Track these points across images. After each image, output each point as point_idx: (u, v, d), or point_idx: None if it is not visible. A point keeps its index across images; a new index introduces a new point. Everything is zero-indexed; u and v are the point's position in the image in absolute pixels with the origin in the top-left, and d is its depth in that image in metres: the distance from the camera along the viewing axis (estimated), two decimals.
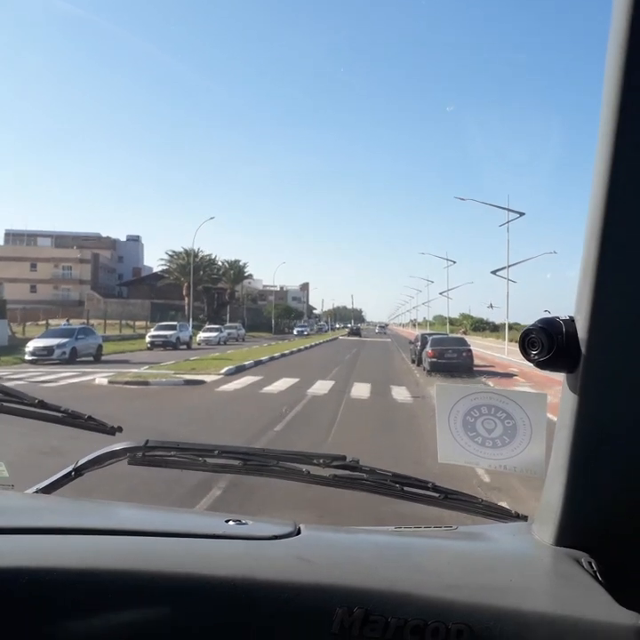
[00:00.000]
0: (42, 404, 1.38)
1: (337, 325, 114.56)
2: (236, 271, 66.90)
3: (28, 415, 1.38)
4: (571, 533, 0.94)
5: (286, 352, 29.81)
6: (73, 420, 1.45)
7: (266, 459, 1.27)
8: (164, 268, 56.56)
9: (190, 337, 35.34)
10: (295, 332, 63.62)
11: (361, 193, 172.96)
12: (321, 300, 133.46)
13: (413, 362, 24.75)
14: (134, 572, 0.78)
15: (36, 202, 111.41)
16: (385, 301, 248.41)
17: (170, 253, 56.95)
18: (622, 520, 0.91)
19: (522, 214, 33.85)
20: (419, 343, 24.05)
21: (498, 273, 35.05)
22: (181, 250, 55.74)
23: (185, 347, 33.63)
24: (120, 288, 64.75)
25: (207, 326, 43.58)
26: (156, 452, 1.27)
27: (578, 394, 0.86)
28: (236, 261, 67.03)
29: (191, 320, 42.12)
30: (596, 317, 0.82)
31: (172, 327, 34.19)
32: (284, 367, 20.99)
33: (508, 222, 32.64)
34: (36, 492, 1.24)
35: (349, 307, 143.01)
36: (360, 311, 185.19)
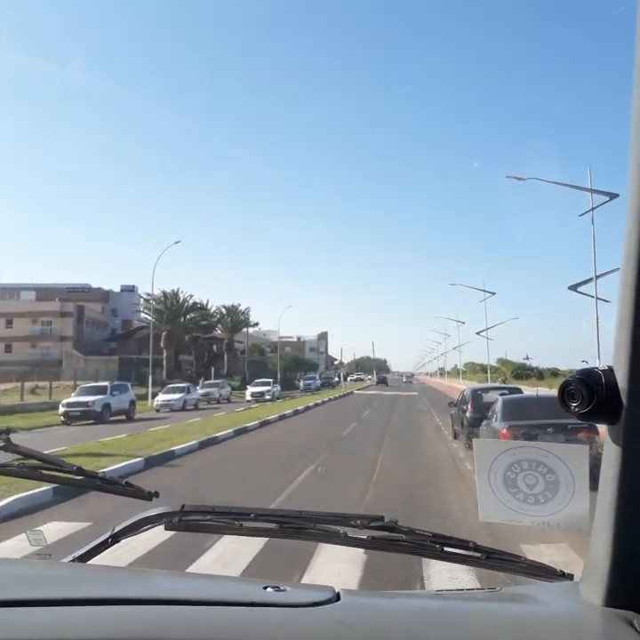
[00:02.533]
0: (80, 471, 1.40)
1: (353, 376, 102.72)
2: (234, 318, 54.65)
3: (67, 482, 1.43)
4: (620, 593, 0.92)
5: (271, 418, 23.49)
6: (110, 485, 1.46)
7: (303, 521, 1.26)
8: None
9: (132, 403, 27.06)
10: (302, 387, 57.63)
11: (378, 230, 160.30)
12: (340, 350, 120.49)
13: (456, 436, 16.18)
14: None
15: (23, 252, 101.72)
16: (410, 350, 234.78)
17: (145, 297, 45.18)
18: None
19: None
20: (467, 407, 15.00)
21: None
22: (158, 292, 43.90)
23: (123, 417, 25.42)
24: (109, 344, 53.97)
25: (170, 385, 35.60)
26: (192, 516, 1.28)
27: (621, 446, 0.86)
28: (235, 306, 55.58)
29: (151, 376, 36.01)
30: (636, 367, 0.83)
31: (101, 390, 25.58)
32: (229, 461, 13.43)
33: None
34: (73, 560, 1.25)
35: (372, 356, 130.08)
36: (384, 361, 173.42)
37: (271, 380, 44.79)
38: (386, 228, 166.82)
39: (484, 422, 11.35)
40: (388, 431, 18.71)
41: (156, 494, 1.41)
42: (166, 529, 1.28)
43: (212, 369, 50.94)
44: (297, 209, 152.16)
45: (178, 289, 53.73)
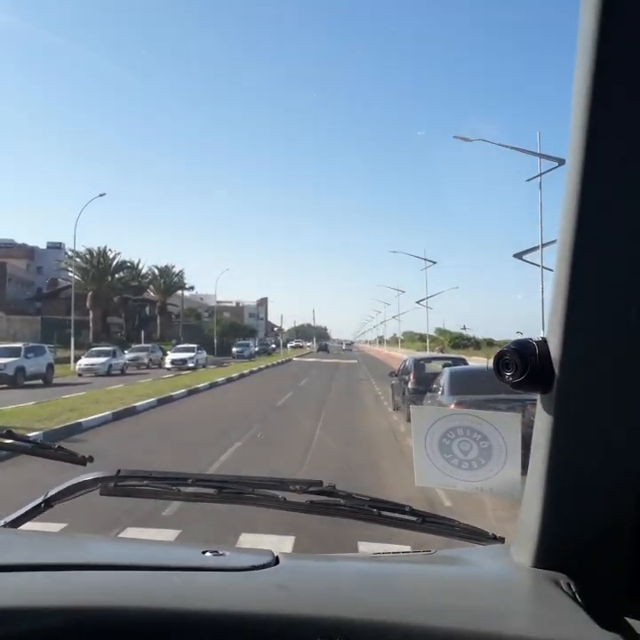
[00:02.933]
0: (9, 434, 1.37)
1: (292, 343, 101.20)
2: (168, 280, 51.94)
3: None
4: (549, 555, 0.98)
5: (200, 386, 21.99)
6: (42, 450, 1.45)
7: (242, 485, 1.27)
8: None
9: (49, 366, 25.18)
10: (234, 354, 52.52)
11: (320, 196, 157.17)
12: (280, 317, 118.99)
13: (397, 408, 14.99)
14: (107, 609, 0.79)
15: None
16: (350, 318, 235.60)
17: (69, 253, 41.91)
18: (600, 540, 0.96)
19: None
20: (409, 377, 14.08)
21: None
22: (83, 250, 40.85)
23: (40, 381, 23.49)
24: (34, 303, 57.32)
25: (95, 349, 33.64)
26: (128, 481, 1.27)
27: (552, 414, 0.91)
28: (168, 267, 52.91)
29: (73, 338, 34.30)
30: (568, 338, 0.87)
31: (15, 351, 23.55)
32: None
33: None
34: (4, 525, 1.23)
35: (312, 324, 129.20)
36: (325, 328, 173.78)
37: (195, 345, 39.82)
38: (328, 193, 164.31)
39: (429, 395, 10.60)
40: (326, 401, 17.72)
41: (91, 459, 1.39)
42: (102, 494, 1.26)
43: (143, 333, 48.29)
44: (238, 170, 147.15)
45: (105, 247, 50.72)
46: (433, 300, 48.88)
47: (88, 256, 48.96)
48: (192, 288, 65.76)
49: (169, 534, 4.63)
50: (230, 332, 65.69)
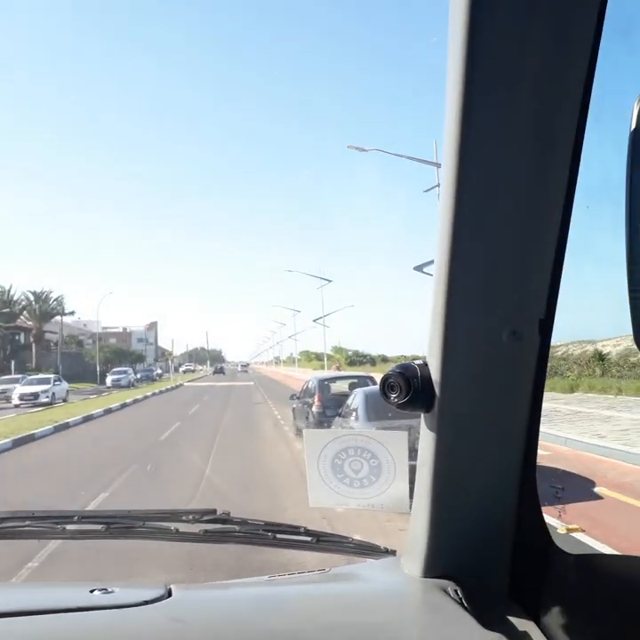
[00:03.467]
0: None
1: (182, 368, 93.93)
2: (44, 306, 47.15)
3: None
4: (436, 564, 1.04)
5: (72, 420, 18.86)
6: None
7: (130, 520, 1.24)
8: None
9: None
10: (109, 383, 46.07)
11: (209, 216, 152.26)
12: (171, 341, 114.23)
13: (299, 434, 13.00)
14: None
15: None
16: (246, 340, 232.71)
17: None
18: (483, 548, 1.03)
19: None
20: (313, 400, 12.71)
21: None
22: None
23: None
24: None
25: None
26: (8, 522, 1.21)
27: (435, 432, 0.96)
28: (44, 292, 47.98)
29: None
30: (446, 360, 0.93)
31: None
32: None
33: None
34: None
35: (207, 347, 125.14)
36: (219, 351, 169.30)
37: (53, 376, 34.17)
38: (218, 210, 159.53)
39: (339, 420, 9.48)
40: (219, 431, 15.78)
41: None
42: None
43: (12, 363, 43.00)
44: (119, 185, 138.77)
45: None
46: (330, 318, 48.11)
47: None
48: (72, 313, 61.08)
49: (54, 576, 4.50)
50: (113, 358, 61.00)
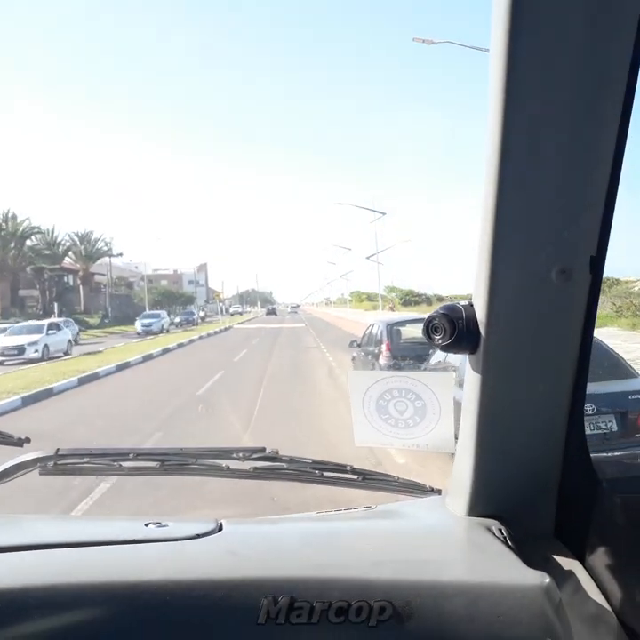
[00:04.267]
0: None
1: (231, 310, 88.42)
2: (89, 247, 45.55)
3: None
4: (481, 503, 1.06)
5: (99, 371, 15.67)
6: None
7: (184, 457, 1.30)
8: None
9: None
10: (139, 329, 39.06)
11: (254, 149, 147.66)
12: (221, 282, 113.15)
13: None
14: (56, 587, 0.82)
15: None
16: (297, 281, 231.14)
17: None
18: (528, 487, 1.04)
19: (383, 214, 36.84)
20: (380, 349, 10.19)
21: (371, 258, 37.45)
22: None
23: None
24: None
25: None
26: (68, 460, 1.28)
27: (480, 373, 0.98)
28: (88, 233, 46.28)
29: None
30: (492, 302, 0.93)
31: None
32: None
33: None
34: None
35: (256, 289, 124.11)
36: (270, 293, 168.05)
37: (62, 319, 29.23)
38: (262, 146, 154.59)
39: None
40: (265, 382, 13.44)
41: (28, 440, 1.39)
42: (41, 474, 1.27)
43: (55, 305, 42.16)
44: (165, 131, 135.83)
45: (8, 210, 43.11)
46: (383, 256, 44.87)
47: None
48: (121, 254, 59.64)
49: (111, 509, 4.71)
50: (162, 300, 59.61)
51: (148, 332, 37.93)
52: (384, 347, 9.91)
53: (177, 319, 50.13)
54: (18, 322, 29.54)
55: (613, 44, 0.80)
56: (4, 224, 43.82)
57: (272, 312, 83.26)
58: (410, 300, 58.88)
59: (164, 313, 45.28)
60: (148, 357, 20.81)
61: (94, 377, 15.39)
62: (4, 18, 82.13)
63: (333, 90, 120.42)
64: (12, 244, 44.00)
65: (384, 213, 39.66)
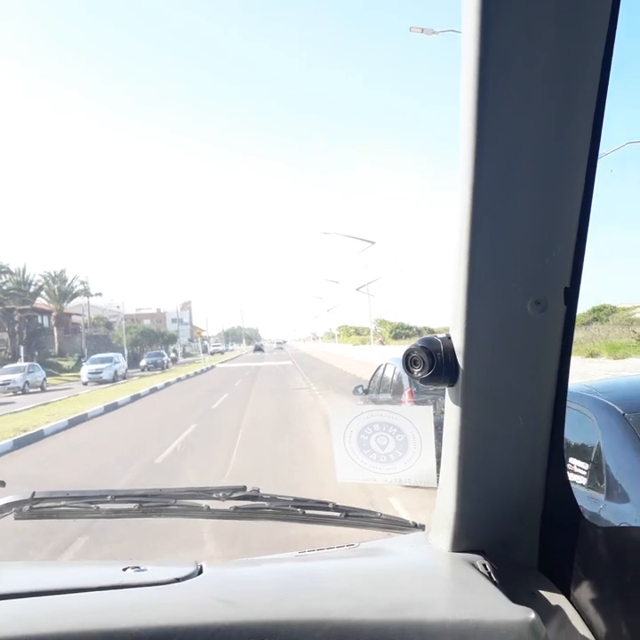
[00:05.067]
0: None
1: (211, 348, 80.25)
2: (63, 286, 42.93)
3: None
4: (464, 538, 1.05)
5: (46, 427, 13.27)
6: None
7: (163, 498, 1.28)
8: None
9: None
10: (84, 379, 32.32)
11: (237, 188, 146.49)
12: (205, 320, 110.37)
13: None
14: (33, 637, 0.80)
15: None
16: (282, 317, 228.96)
17: None
18: (512, 521, 1.04)
19: (373, 243, 36.98)
20: (402, 397, 7.32)
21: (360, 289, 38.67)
22: None
23: None
24: None
25: None
26: (43, 503, 1.25)
27: (460, 405, 0.98)
28: (62, 272, 43.80)
29: None
30: (469, 334, 0.93)
31: None
32: None
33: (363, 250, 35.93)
34: None
35: (242, 326, 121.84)
36: (256, 330, 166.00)
37: (26, 364, 31.09)
38: (246, 179, 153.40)
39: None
40: (243, 436, 11.00)
41: (2, 483, 1.36)
42: (17, 519, 1.24)
43: (22, 349, 38.45)
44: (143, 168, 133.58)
45: None
46: (373, 287, 42.51)
47: None
48: (99, 294, 57.02)
49: (87, 555, 4.52)
50: (142, 340, 56.60)
51: (97, 381, 31.49)
52: (406, 395, 7.27)
53: (143, 362, 44.37)
54: None
55: (581, 77, 0.81)
56: None
57: (259, 348, 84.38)
58: (400, 333, 56.78)
59: (119, 356, 37.79)
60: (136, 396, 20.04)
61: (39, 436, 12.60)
62: None
63: (321, 118, 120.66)
64: None
65: (373, 242, 38.27)
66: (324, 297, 67.64)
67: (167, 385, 26.78)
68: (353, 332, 67.94)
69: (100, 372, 32.71)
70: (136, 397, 21.39)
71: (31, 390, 28.32)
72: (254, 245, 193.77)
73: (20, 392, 28.04)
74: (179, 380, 30.13)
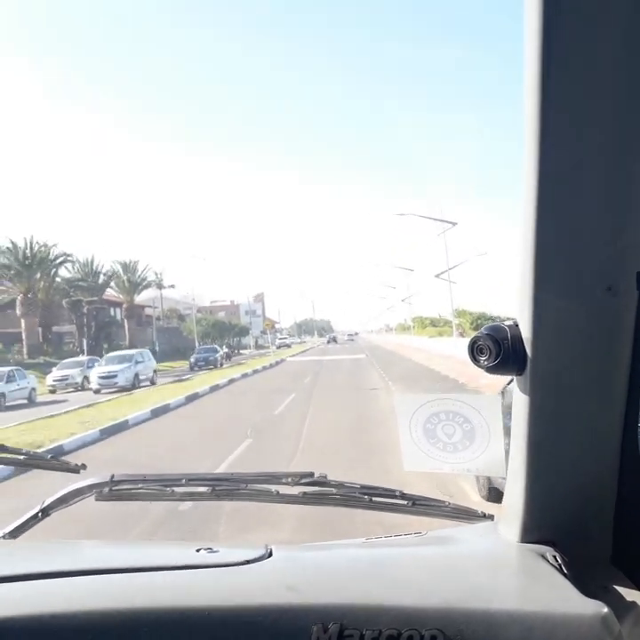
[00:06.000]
0: (2, 448, 1.38)
1: (277, 342, 72.90)
2: (134, 277, 41.79)
3: None
4: (534, 529, 1.04)
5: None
6: (35, 461, 1.47)
7: (234, 483, 1.30)
8: None
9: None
10: (94, 384, 25.30)
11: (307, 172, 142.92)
12: (277, 312, 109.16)
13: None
14: (110, 612, 0.85)
15: None
16: (355, 308, 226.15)
17: None
18: (584, 512, 1.02)
19: (454, 224, 33.11)
20: None
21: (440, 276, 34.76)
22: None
23: None
24: None
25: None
26: (122, 485, 1.30)
27: (528, 395, 0.97)
28: (134, 263, 42.43)
29: None
30: (538, 320, 0.92)
31: None
32: None
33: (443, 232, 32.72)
34: (3, 536, 1.27)
35: (313, 317, 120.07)
36: (328, 321, 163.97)
37: (86, 358, 28.12)
38: (317, 168, 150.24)
39: None
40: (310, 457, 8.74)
41: (84, 466, 1.42)
42: (97, 500, 1.30)
43: (85, 342, 37.90)
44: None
45: (32, 237, 40.70)
46: (453, 273, 38.56)
47: (11, 248, 37.84)
48: (172, 286, 56.06)
49: (162, 536, 4.64)
50: (213, 332, 55.14)
51: (111, 388, 24.56)
52: None
53: (191, 359, 38.55)
54: (47, 362, 25.53)
55: None
56: (28, 251, 39.23)
57: (333, 340, 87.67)
58: (482, 324, 52.30)
59: (144, 353, 29.06)
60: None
61: None
62: None
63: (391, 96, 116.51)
64: (38, 275, 39.34)
65: (455, 223, 34.50)
66: (397, 286, 64.27)
67: (215, 389, 21.95)
68: (428, 324, 64.10)
69: (115, 376, 25.26)
70: (164, 410, 16.60)
71: (90, 386, 25.59)
72: (326, 235, 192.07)
73: (79, 388, 25.87)
74: (231, 381, 24.83)
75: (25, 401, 21.35)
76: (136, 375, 25.49)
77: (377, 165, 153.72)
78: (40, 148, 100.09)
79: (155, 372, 27.78)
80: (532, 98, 0.80)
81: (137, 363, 26.37)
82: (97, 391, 23.81)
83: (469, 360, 1.01)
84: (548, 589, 0.89)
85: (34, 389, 23.29)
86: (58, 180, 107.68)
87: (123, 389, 23.37)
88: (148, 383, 25.86)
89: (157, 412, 15.21)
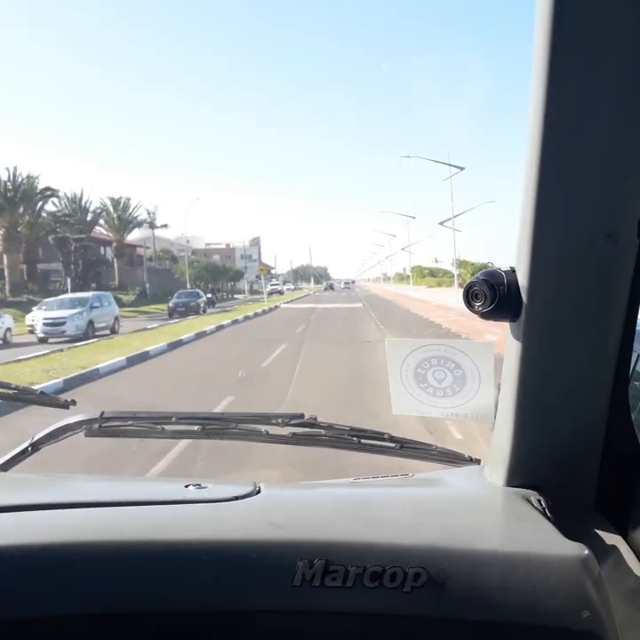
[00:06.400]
0: None
1: (269, 287, 63.49)
2: (123, 214, 39.55)
3: None
4: (520, 474, 1.06)
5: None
6: (25, 396, 1.47)
7: (224, 422, 1.33)
8: None
9: None
10: (38, 331, 20.69)
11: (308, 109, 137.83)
12: (274, 257, 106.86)
13: None
14: (97, 543, 0.86)
15: None
16: (352, 256, 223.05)
17: None
18: (570, 458, 1.04)
19: (462, 169, 32.68)
20: None
21: (445, 223, 34.35)
22: None
23: None
24: None
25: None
26: (112, 422, 1.32)
27: (521, 341, 0.98)
28: (122, 199, 40.16)
29: None
30: (536, 267, 0.92)
31: None
32: None
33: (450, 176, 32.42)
34: None
35: (310, 263, 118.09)
36: (325, 268, 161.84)
37: (90, 295, 23.29)
38: (317, 109, 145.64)
39: None
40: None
41: (73, 402, 1.42)
42: (86, 436, 1.30)
43: (68, 281, 35.54)
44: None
45: (15, 168, 38.12)
46: (458, 221, 36.96)
47: None
48: (165, 226, 53.89)
49: (152, 471, 4.85)
50: (206, 275, 53.30)
51: (59, 337, 19.96)
52: None
53: (170, 304, 33.63)
54: (31, 300, 23.91)
55: None
56: (10, 183, 36.38)
57: (330, 287, 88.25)
58: None
59: (105, 296, 24.55)
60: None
61: None
62: None
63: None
64: (22, 208, 36.66)
65: (462, 168, 32.68)
66: (397, 235, 62.43)
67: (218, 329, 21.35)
68: (427, 274, 62.57)
69: (63, 323, 20.78)
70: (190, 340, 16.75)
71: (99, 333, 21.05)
72: (326, 179, 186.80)
73: (82, 336, 19.75)
74: (236, 321, 24.06)
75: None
76: (90, 322, 21.15)
77: (381, 110, 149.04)
78: (23, 71, 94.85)
79: (116, 319, 23.63)
80: (542, 37, 0.78)
81: (92, 308, 21.93)
82: (43, 340, 19.89)
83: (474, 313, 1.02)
84: (531, 531, 0.91)
85: (9, 330, 19.94)
86: (44, 107, 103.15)
87: (73, 339, 19.10)
88: (108, 332, 21.83)
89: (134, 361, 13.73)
